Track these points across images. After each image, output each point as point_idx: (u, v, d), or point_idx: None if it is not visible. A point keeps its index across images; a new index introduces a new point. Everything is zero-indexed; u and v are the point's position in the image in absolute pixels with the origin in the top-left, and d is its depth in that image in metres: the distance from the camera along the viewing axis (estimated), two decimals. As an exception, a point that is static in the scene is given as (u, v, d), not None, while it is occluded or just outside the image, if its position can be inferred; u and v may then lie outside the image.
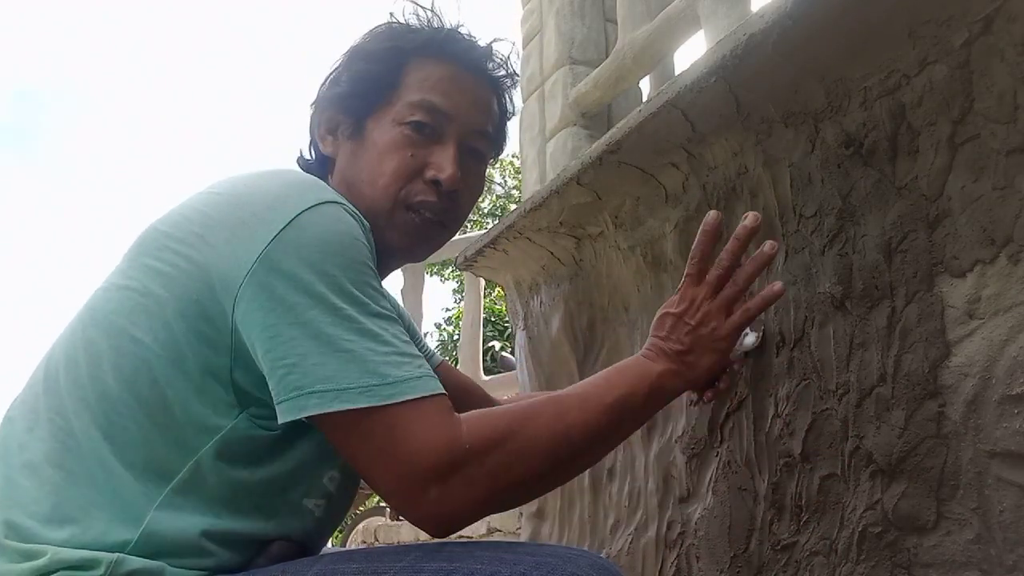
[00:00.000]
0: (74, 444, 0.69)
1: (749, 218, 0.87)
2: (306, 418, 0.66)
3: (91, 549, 0.65)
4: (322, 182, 0.77)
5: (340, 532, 5.83)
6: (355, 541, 5.36)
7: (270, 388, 0.67)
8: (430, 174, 0.86)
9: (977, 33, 0.87)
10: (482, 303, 5.51)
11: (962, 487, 0.89)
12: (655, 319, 0.88)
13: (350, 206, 0.74)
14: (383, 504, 5.66)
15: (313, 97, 0.91)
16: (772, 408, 1.18)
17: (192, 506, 0.69)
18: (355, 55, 0.90)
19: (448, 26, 0.90)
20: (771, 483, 1.17)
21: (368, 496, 5.65)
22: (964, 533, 0.88)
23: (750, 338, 1.20)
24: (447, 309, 15.13)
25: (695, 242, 0.91)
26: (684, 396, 1.37)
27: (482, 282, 5.30)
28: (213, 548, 0.70)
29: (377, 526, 5.42)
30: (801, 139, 1.11)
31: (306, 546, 0.79)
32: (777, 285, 0.89)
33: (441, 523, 0.67)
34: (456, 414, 0.68)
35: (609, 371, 0.81)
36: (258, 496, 0.73)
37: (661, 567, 1.40)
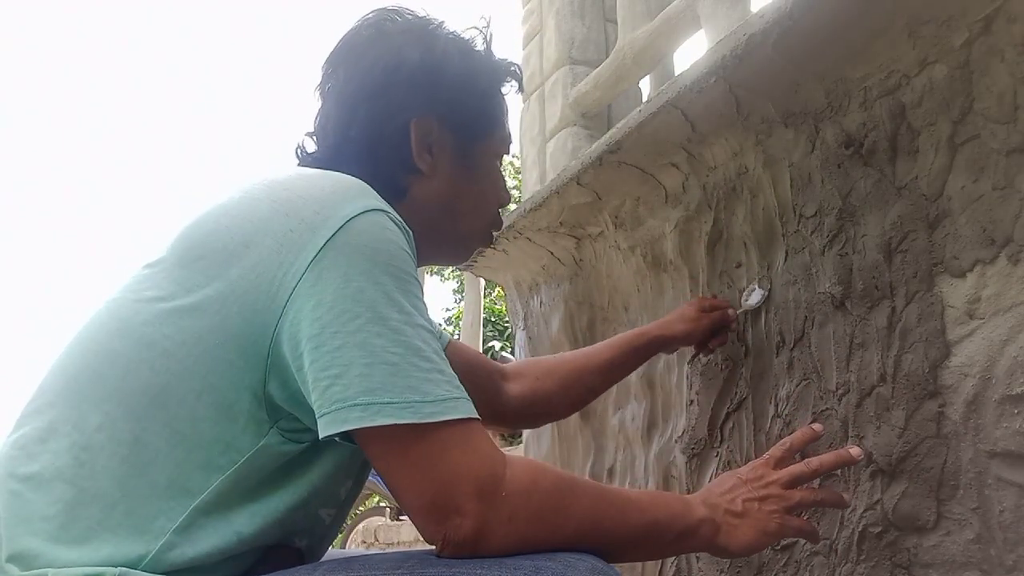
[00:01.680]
0: (89, 460, 0.67)
1: (855, 451, 0.90)
2: (344, 431, 0.65)
3: (97, 568, 0.63)
4: (365, 185, 0.75)
5: (340, 531, 5.83)
6: (355, 541, 5.36)
7: (312, 401, 0.65)
8: (502, 199, 0.96)
9: (977, 33, 0.87)
10: (482, 303, 5.51)
11: (962, 487, 0.89)
12: (718, 478, 0.86)
13: (394, 213, 0.73)
14: (383, 504, 5.66)
15: (384, 96, 0.87)
16: (772, 408, 1.18)
17: (214, 525, 0.67)
18: (462, 82, 0.89)
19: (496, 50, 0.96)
20: (771, 483, 1.17)
21: (368, 496, 5.66)
22: (964, 533, 0.88)
23: (756, 295, 1.21)
24: (447, 309, 15.13)
25: (795, 436, 0.91)
26: (684, 395, 1.38)
27: (482, 282, 5.29)
28: (224, 563, 0.68)
29: (377, 526, 5.42)
30: (801, 139, 1.11)
31: (310, 551, 0.78)
32: (855, 450, 0.90)
33: (463, 549, 0.65)
34: (499, 449, 0.69)
35: (656, 493, 0.83)
36: (281, 512, 0.71)
37: (661, 568, 1.40)
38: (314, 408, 0.65)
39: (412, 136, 0.86)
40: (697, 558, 1.30)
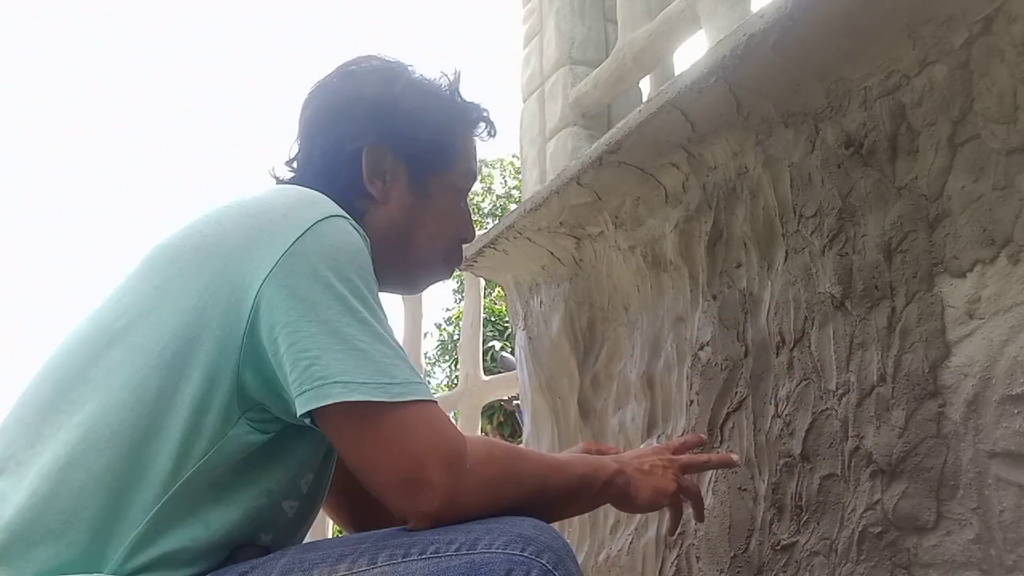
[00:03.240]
0: (66, 454, 0.70)
1: (734, 460, 1.02)
2: (314, 412, 0.70)
3: (68, 573, 0.66)
4: (326, 196, 0.81)
5: (339, 532, 5.82)
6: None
7: (290, 380, 0.70)
8: (463, 234, 1.00)
9: (977, 33, 0.87)
10: (482, 303, 5.51)
11: (962, 487, 0.89)
12: (635, 452, 1.00)
13: (353, 221, 0.79)
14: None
15: (349, 128, 0.94)
16: (772, 408, 1.18)
17: (182, 517, 0.71)
18: (418, 116, 0.94)
19: (474, 100, 1.01)
20: (771, 483, 1.17)
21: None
22: (964, 533, 0.89)
23: None
24: (447, 309, 15.12)
25: (688, 437, 1.05)
26: (684, 395, 1.38)
27: (482, 282, 5.29)
28: (194, 558, 0.72)
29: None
30: (801, 139, 1.11)
31: (276, 546, 0.81)
32: (734, 457, 1.03)
33: (436, 519, 0.71)
34: (457, 428, 0.76)
35: (578, 455, 0.95)
36: (245, 502, 0.75)
37: (661, 567, 1.40)
38: (292, 387, 0.70)
39: (363, 163, 0.92)
40: (697, 558, 1.30)
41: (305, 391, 0.69)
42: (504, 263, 1.87)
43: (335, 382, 0.69)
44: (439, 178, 0.96)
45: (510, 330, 3.90)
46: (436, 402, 0.74)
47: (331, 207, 0.78)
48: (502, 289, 2.46)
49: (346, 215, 0.79)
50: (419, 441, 0.70)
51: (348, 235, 0.76)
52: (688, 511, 1.09)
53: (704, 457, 1.02)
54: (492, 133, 1.03)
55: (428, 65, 0.99)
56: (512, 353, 3.05)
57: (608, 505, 0.92)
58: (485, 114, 1.01)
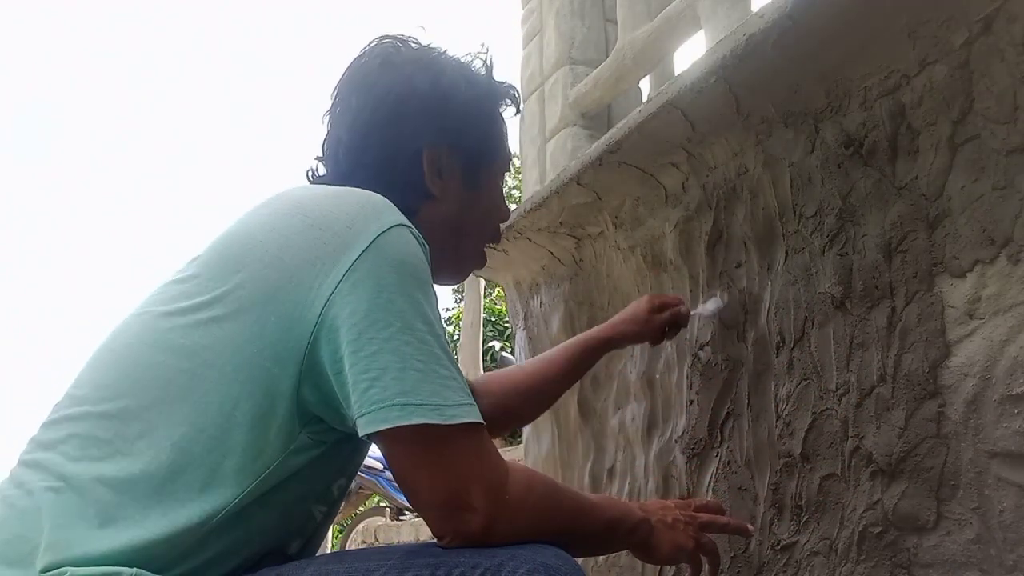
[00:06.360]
0: (128, 465, 0.70)
1: (750, 530, 1.05)
2: (372, 434, 0.71)
3: (112, 564, 0.67)
4: (388, 201, 0.81)
5: (340, 532, 5.83)
6: (355, 541, 5.36)
7: (351, 401, 0.71)
8: (502, 216, 1.03)
9: (977, 33, 0.87)
10: (482, 303, 5.52)
11: (962, 487, 0.89)
12: (659, 503, 1.01)
13: (414, 228, 0.79)
14: (383, 504, 5.66)
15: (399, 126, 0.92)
16: (772, 408, 1.18)
17: (234, 524, 0.71)
18: (470, 109, 0.94)
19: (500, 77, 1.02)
20: (771, 483, 1.17)
21: (368, 496, 5.66)
22: (964, 533, 0.89)
23: (712, 304, 1.25)
24: (447, 309, 15.11)
25: (712, 502, 1.05)
26: (684, 395, 1.38)
27: (482, 282, 5.30)
28: (230, 558, 0.72)
29: (377, 526, 5.42)
30: (801, 139, 1.11)
31: (300, 555, 0.82)
32: (749, 528, 1.06)
33: (471, 541, 0.72)
34: (502, 456, 0.77)
35: (606, 496, 0.95)
36: (287, 506, 0.76)
37: (661, 568, 1.40)
38: (352, 408, 0.71)
39: (424, 163, 0.91)
40: (697, 558, 1.30)
41: (364, 414, 0.70)
42: (504, 263, 1.87)
43: (392, 405, 0.69)
44: (488, 168, 0.98)
45: (510, 330, 3.90)
46: (484, 425, 0.75)
47: (394, 216, 0.78)
48: (502, 289, 2.46)
49: (408, 223, 0.78)
50: (465, 465, 0.72)
51: (409, 246, 0.77)
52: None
53: (724, 519, 1.03)
54: (518, 110, 1.04)
55: (452, 44, 0.98)
56: (512, 353, 3.06)
57: None
58: (514, 92, 1.02)
